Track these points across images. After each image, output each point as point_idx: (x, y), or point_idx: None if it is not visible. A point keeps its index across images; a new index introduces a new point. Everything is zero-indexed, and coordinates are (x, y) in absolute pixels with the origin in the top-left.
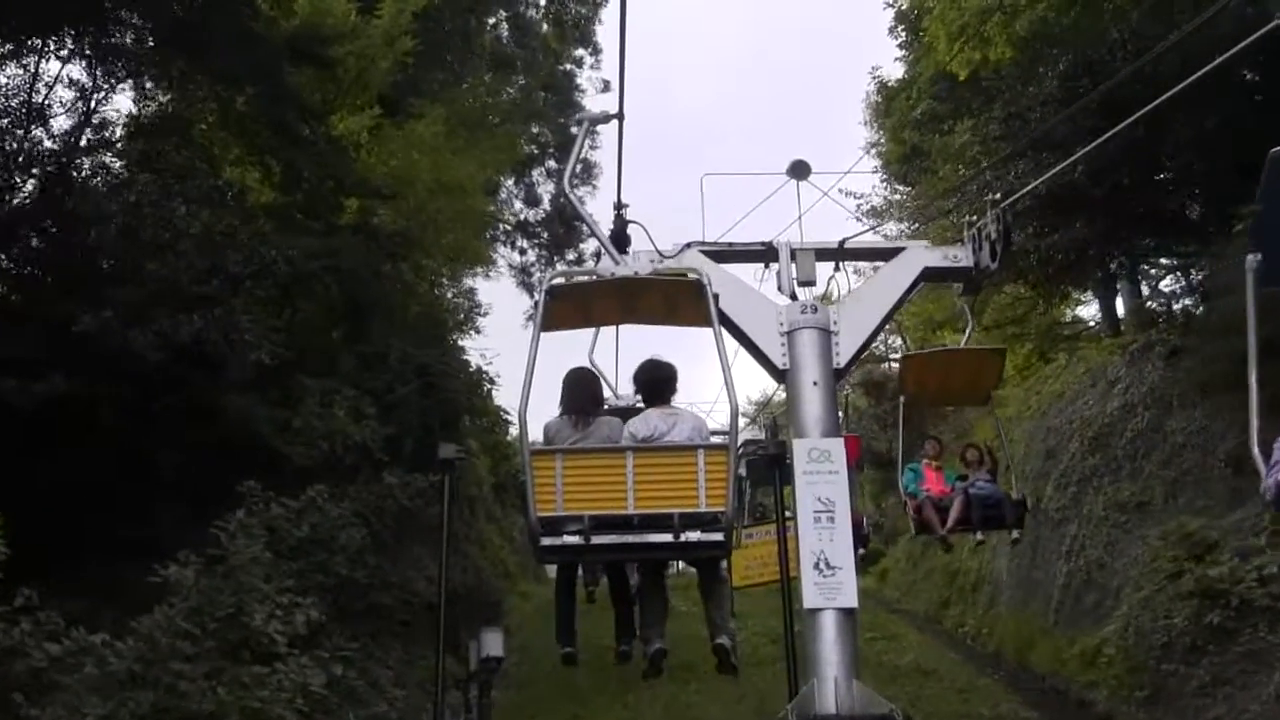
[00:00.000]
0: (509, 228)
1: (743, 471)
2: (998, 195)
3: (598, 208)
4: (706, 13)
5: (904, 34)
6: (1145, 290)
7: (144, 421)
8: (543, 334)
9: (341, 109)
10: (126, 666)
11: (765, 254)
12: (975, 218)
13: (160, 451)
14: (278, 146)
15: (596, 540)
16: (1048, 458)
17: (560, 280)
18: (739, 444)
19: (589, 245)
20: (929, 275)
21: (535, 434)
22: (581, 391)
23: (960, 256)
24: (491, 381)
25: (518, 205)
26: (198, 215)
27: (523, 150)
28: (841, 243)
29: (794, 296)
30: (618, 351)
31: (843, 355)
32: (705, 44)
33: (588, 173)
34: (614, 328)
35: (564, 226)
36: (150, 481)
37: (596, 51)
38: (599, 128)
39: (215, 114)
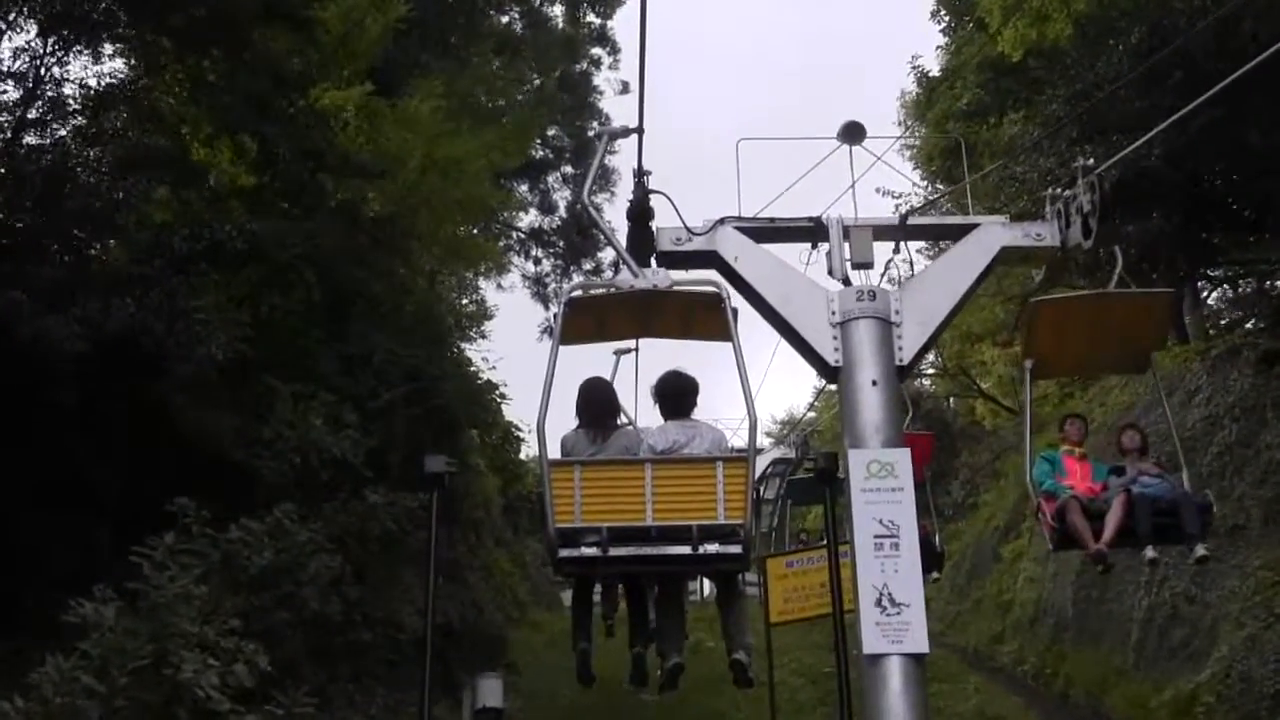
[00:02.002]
0: (523, 236)
1: (770, 494)
2: (1090, 160)
3: (616, 214)
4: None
5: (947, 19)
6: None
7: (78, 428)
8: (561, 347)
9: (326, 80)
10: None
11: (813, 231)
12: (1059, 190)
13: (99, 464)
14: (249, 119)
15: (614, 552)
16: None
17: (579, 292)
18: (768, 463)
19: (607, 254)
20: (1007, 256)
21: (553, 446)
22: (597, 403)
23: (1044, 234)
24: (502, 396)
25: (532, 212)
26: (139, 185)
27: (534, 139)
28: (904, 218)
29: (847, 281)
30: (637, 380)
31: (906, 350)
32: (727, 46)
33: (605, 179)
34: (634, 355)
35: (580, 234)
36: (93, 499)
37: (615, 50)
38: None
39: (183, 85)
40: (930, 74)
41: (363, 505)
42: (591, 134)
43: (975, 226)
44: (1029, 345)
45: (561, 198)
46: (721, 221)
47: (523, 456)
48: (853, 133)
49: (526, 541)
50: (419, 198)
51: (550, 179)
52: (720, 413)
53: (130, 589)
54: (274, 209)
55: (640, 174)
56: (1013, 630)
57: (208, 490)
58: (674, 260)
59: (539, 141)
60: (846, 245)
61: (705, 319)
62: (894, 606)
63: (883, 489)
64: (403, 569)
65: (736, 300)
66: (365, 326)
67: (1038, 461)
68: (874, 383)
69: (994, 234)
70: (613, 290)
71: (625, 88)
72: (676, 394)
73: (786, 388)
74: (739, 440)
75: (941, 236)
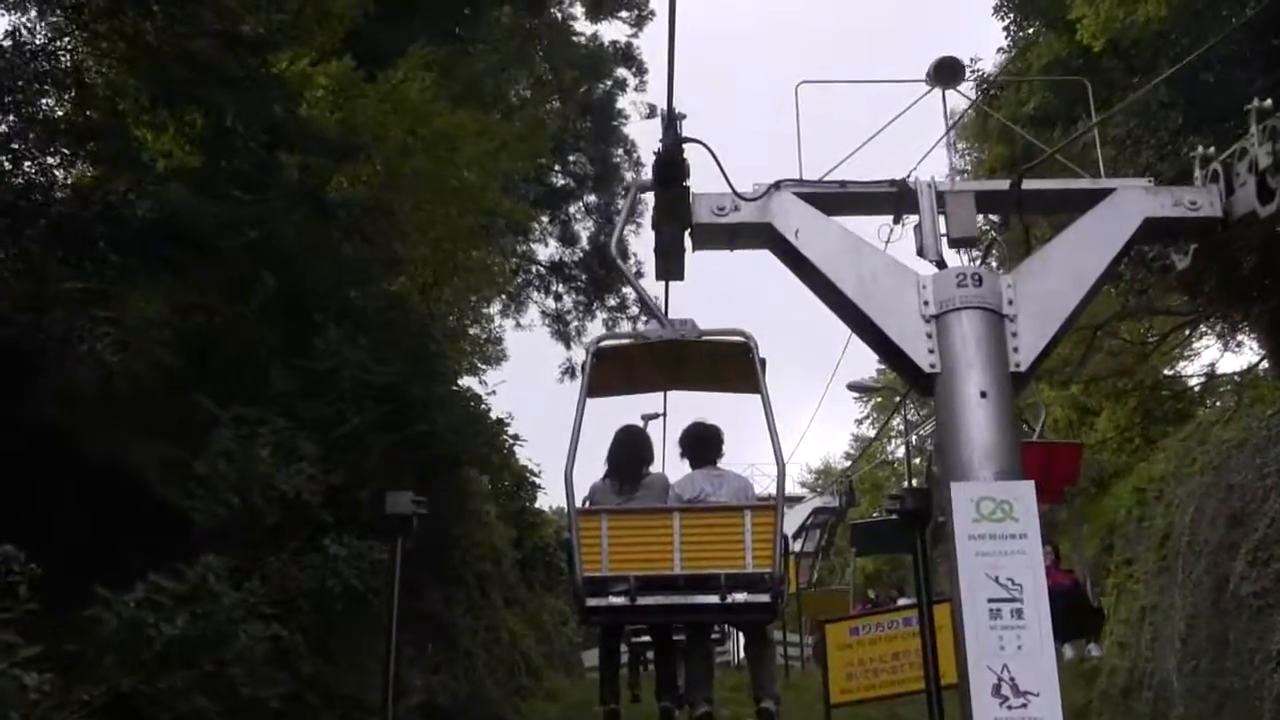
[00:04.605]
0: (543, 270)
1: (809, 547)
2: (1267, 101)
3: (642, 246)
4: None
5: (1011, 15)
6: None
7: None
8: (589, 399)
9: (291, 48)
10: None
11: (897, 199)
12: (1210, 149)
13: None
14: (194, 87)
15: (643, 601)
16: (1233, 525)
17: (606, 343)
18: (809, 512)
19: (631, 291)
20: (1150, 231)
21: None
22: (629, 454)
23: (1199, 202)
24: (515, 437)
25: (552, 245)
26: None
27: (547, 143)
28: (1017, 180)
29: (942, 263)
30: (665, 444)
31: (1024, 351)
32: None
33: (630, 210)
34: (661, 419)
35: (604, 268)
36: None
37: (641, 72)
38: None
39: (116, 47)
40: (990, 78)
41: (321, 557)
42: (617, 159)
43: (1109, 192)
44: None
45: (584, 228)
46: (777, 186)
47: (539, 505)
48: (946, 73)
49: (544, 599)
50: (402, 182)
51: (572, 209)
52: (759, 457)
53: None
54: (226, 196)
55: (670, 115)
56: (1102, 703)
57: (127, 538)
58: (715, 235)
59: (558, 169)
60: (941, 218)
61: (733, 370)
62: (1018, 696)
63: (999, 535)
64: (373, 636)
65: (798, 288)
66: (335, 339)
67: None
68: (983, 394)
69: (1134, 201)
70: (639, 341)
71: (652, 111)
72: (702, 443)
73: (822, 436)
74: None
75: (1063, 207)
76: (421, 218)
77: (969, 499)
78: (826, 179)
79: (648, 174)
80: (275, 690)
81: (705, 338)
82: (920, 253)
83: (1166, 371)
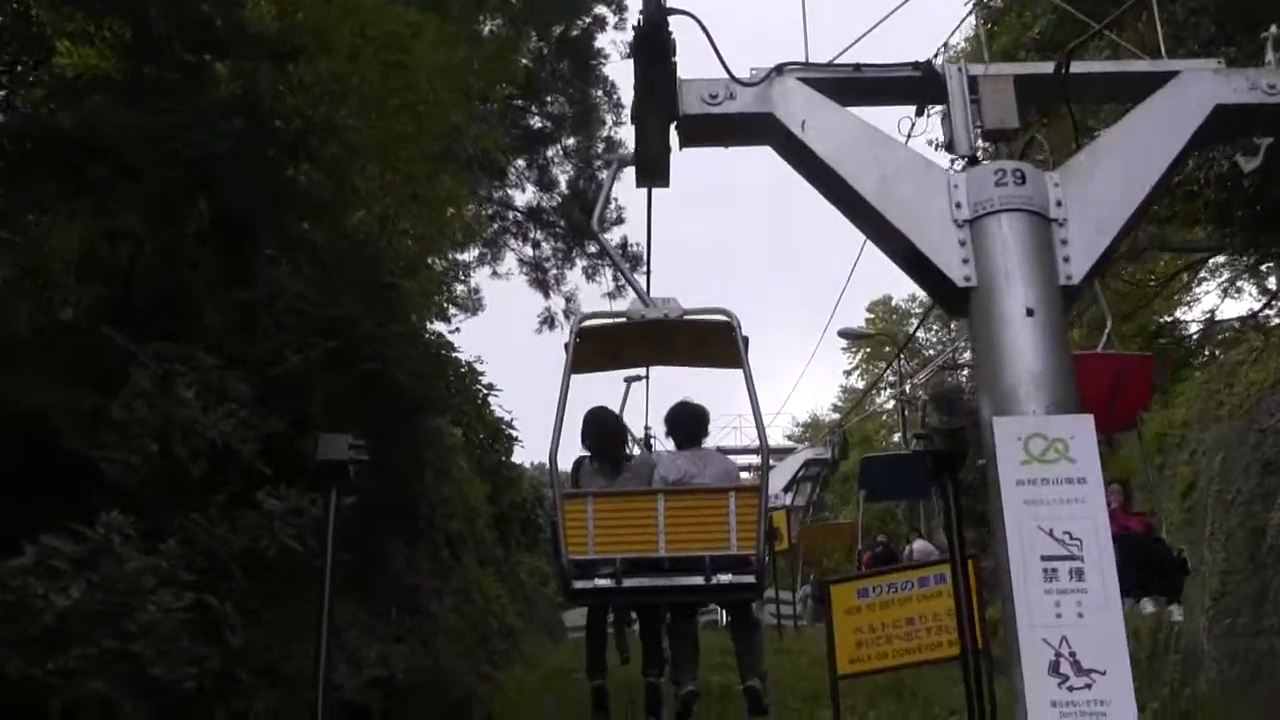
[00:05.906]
0: (520, 216)
1: (800, 500)
2: None
3: (622, 188)
4: None
5: None
6: None
7: None
8: (573, 376)
9: None
10: None
11: (920, 85)
12: None
13: None
14: None
15: (628, 583)
16: (1267, 472)
17: (590, 322)
18: (800, 464)
19: (612, 235)
20: (1221, 120)
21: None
22: (610, 437)
23: None
24: (489, 385)
25: (529, 190)
26: None
27: (518, 68)
28: (1063, 62)
29: (974, 159)
30: (648, 406)
31: (1076, 261)
32: None
33: (611, 152)
34: (644, 382)
35: (584, 212)
36: None
37: (621, 9)
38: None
39: None
40: (991, 3)
41: (255, 514)
42: (596, 100)
43: (1171, 76)
44: None
45: (562, 172)
46: (779, 70)
47: (516, 459)
48: None
49: (521, 557)
50: (350, 92)
51: (550, 152)
52: (745, 409)
53: None
54: (151, 107)
55: None
56: None
57: (23, 496)
58: (706, 129)
59: (535, 110)
60: (973, 108)
61: (717, 348)
62: (1080, 675)
63: (1052, 480)
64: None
65: (803, 184)
66: (275, 269)
67: None
68: (1029, 311)
69: (1202, 85)
70: (623, 321)
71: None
72: (687, 424)
73: (810, 386)
74: (777, 430)
75: (1120, 94)
76: (375, 136)
77: (1015, 437)
78: (838, 61)
79: (629, 114)
80: (196, 668)
81: (688, 317)
82: (949, 147)
83: (1165, 318)
